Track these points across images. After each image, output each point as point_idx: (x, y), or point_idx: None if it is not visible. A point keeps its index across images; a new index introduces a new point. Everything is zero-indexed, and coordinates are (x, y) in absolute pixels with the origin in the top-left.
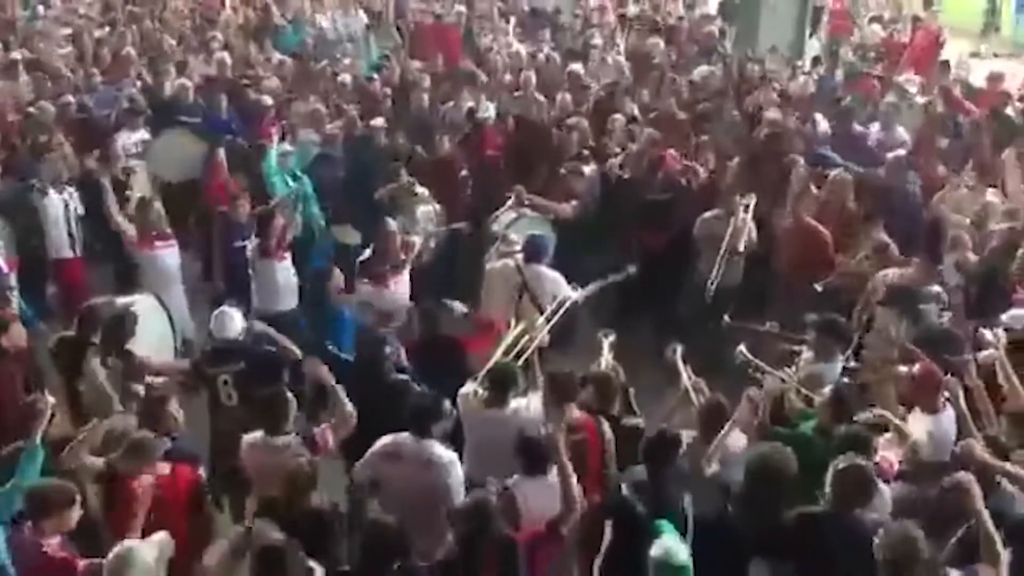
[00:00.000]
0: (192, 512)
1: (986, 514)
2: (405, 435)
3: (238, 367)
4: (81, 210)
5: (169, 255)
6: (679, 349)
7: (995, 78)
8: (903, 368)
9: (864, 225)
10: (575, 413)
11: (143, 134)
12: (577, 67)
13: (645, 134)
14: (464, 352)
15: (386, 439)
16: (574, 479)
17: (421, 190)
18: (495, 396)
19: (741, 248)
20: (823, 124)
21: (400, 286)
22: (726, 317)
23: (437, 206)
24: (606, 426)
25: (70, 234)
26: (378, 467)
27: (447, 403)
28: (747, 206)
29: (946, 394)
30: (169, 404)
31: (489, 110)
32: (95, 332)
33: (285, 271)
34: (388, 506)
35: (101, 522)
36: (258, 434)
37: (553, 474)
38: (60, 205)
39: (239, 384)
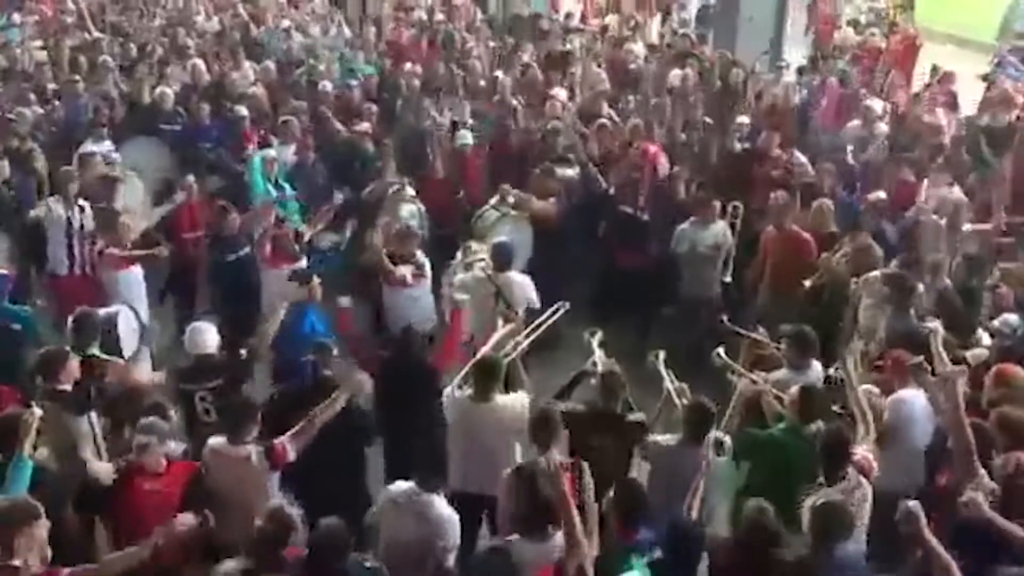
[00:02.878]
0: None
1: (934, 542)
2: (411, 486)
3: (216, 383)
4: (90, 226)
5: (138, 270)
6: (662, 355)
7: (946, 78)
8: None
9: (852, 233)
10: (556, 457)
11: (107, 146)
12: (558, 91)
13: (630, 124)
14: (436, 377)
15: (396, 487)
16: (578, 520)
17: (407, 189)
18: (481, 390)
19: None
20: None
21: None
22: (724, 318)
23: (421, 206)
24: (586, 470)
25: (70, 251)
26: (381, 514)
27: None
28: (735, 214)
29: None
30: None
31: (467, 137)
32: (91, 343)
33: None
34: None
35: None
36: (221, 439)
37: (554, 539)
38: (63, 222)
39: (217, 400)
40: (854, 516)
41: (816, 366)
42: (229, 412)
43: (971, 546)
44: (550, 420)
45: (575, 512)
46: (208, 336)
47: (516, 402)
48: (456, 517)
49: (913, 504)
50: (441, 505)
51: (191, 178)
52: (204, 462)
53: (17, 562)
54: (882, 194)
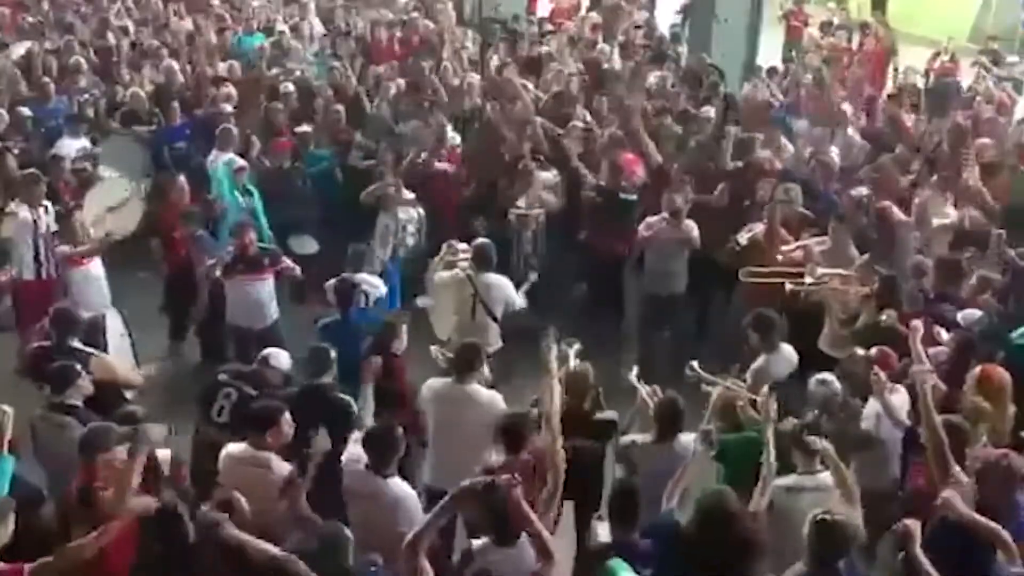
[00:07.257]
0: None
1: (926, 564)
2: (364, 472)
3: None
4: (52, 227)
5: (96, 266)
6: (635, 370)
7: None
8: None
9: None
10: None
11: (84, 142)
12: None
13: (607, 134)
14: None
15: (348, 475)
16: (546, 532)
17: (406, 192)
18: (460, 373)
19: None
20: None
21: None
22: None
23: (420, 210)
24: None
25: (36, 255)
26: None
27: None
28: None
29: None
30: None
31: (455, 139)
32: (72, 338)
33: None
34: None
35: None
36: (242, 445)
37: (522, 542)
38: (28, 225)
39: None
40: (857, 531)
41: (785, 348)
42: (248, 417)
43: (949, 548)
44: (522, 425)
45: (540, 527)
46: (281, 359)
47: (495, 400)
48: (415, 497)
49: (912, 523)
50: (402, 486)
51: (182, 179)
52: (222, 464)
53: None
54: (864, 190)
